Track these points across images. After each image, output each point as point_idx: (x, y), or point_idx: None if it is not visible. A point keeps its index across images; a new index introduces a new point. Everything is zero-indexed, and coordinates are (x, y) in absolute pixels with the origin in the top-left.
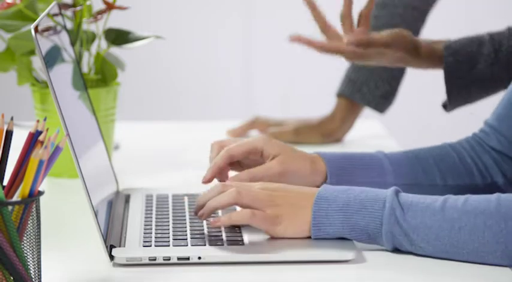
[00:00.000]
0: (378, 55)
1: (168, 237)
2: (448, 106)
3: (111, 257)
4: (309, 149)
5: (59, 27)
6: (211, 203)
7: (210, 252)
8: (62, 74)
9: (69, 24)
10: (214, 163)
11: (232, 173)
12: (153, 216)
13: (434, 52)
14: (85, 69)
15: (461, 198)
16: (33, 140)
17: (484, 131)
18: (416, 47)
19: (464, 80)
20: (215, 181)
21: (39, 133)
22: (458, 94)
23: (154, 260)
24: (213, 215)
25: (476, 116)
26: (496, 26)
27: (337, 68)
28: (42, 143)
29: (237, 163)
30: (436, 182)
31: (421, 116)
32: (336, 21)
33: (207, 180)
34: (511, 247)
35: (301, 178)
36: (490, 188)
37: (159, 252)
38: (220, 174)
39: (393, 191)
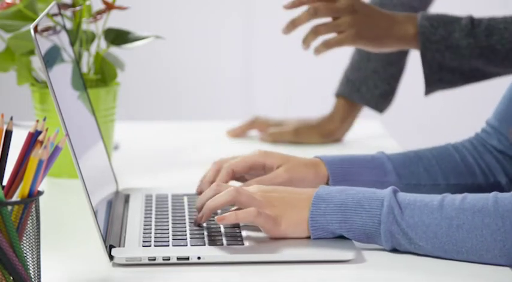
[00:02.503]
0: None
1: (168, 237)
2: (424, 77)
3: (111, 257)
4: (309, 149)
5: (58, 27)
6: (210, 203)
7: (209, 252)
8: (62, 74)
9: (69, 24)
10: (219, 179)
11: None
12: (153, 216)
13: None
14: (84, 69)
15: (458, 196)
16: (33, 139)
17: (485, 131)
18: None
19: (439, 44)
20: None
21: (38, 133)
22: (432, 59)
23: (154, 260)
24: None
25: (477, 116)
26: None
27: (337, 67)
28: (41, 142)
29: (241, 178)
30: (438, 181)
31: (421, 116)
32: None
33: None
34: (509, 245)
35: (307, 184)
36: (492, 187)
37: (159, 252)
38: None
39: (391, 190)
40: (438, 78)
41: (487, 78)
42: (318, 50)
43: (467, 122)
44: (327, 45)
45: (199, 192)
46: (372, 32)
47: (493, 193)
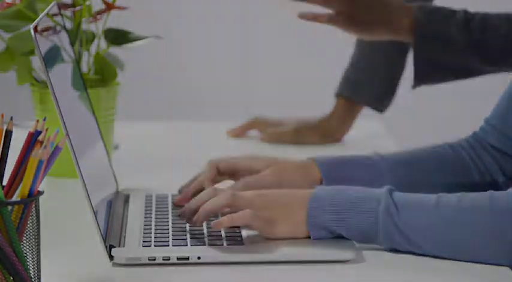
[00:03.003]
0: None
1: (168, 237)
2: (414, 70)
3: (111, 257)
4: (309, 149)
5: (58, 27)
6: (206, 206)
7: (209, 252)
8: (62, 74)
9: (69, 24)
10: (204, 176)
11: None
12: (153, 216)
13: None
14: (84, 69)
15: (455, 195)
16: (33, 139)
17: (483, 129)
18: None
19: (432, 38)
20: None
21: (38, 133)
22: (424, 53)
23: (154, 260)
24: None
25: (477, 116)
26: None
27: (337, 67)
28: (41, 142)
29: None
30: (433, 180)
31: (421, 116)
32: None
33: (188, 195)
34: (505, 243)
35: (296, 186)
36: (489, 186)
37: (159, 252)
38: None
39: (387, 190)
40: (428, 72)
41: (478, 74)
42: (318, 18)
43: (467, 122)
44: (329, 19)
45: (180, 201)
46: (365, 19)
47: (489, 192)
